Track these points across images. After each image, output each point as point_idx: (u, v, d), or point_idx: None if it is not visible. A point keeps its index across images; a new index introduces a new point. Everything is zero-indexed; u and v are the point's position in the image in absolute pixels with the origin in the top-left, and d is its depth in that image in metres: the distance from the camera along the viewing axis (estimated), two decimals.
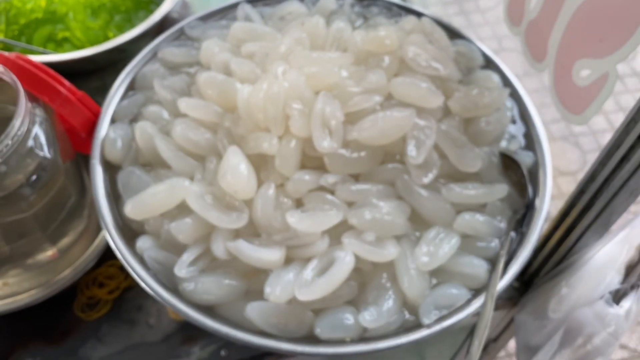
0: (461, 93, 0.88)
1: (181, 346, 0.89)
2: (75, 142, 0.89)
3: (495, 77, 0.93)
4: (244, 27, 0.94)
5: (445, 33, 0.97)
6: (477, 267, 0.72)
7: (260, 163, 0.79)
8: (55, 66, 0.93)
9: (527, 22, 0.88)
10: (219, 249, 0.70)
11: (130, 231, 0.79)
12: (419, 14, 1.00)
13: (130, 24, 1.28)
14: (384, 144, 0.79)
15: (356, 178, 0.79)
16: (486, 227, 0.75)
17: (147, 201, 0.76)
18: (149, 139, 0.82)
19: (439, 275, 0.72)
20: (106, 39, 1.23)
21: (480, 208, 0.80)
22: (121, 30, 1.26)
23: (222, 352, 0.87)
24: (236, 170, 0.74)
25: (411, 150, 0.78)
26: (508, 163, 0.85)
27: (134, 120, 0.88)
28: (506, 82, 0.95)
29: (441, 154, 0.82)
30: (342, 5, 1.03)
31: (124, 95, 0.90)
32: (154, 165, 0.83)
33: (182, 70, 0.93)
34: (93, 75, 1.23)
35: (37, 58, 0.96)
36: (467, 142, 0.83)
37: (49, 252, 0.86)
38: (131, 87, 0.89)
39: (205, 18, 1.00)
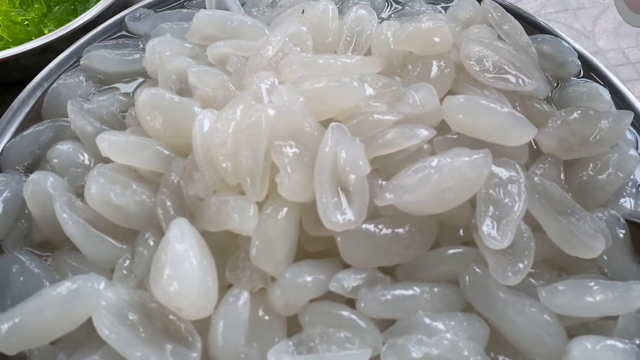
0: (557, 119, 0.54)
1: None
2: None
3: (604, 93, 0.59)
4: (212, 18, 0.61)
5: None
6: None
7: (226, 248, 0.46)
8: None
9: None
10: None
11: None
12: None
13: (75, 17, 0.95)
14: (439, 212, 0.47)
15: (391, 273, 0.46)
16: None
17: (29, 322, 0.44)
18: (46, 203, 0.49)
19: None
20: (41, 36, 0.91)
21: (606, 325, 0.46)
22: (63, 25, 0.93)
23: None
24: (180, 267, 0.42)
25: (487, 225, 0.46)
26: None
27: (32, 167, 0.55)
28: (619, 99, 0.61)
29: (533, 225, 0.49)
30: None
31: (23, 126, 0.57)
32: (56, 244, 0.51)
33: (116, 85, 0.61)
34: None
35: None
36: (576, 205, 0.50)
37: None
38: (37, 113, 0.55)
39: (157, 5, 0.67)
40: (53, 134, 0.58)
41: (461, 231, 0.50)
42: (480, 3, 0.66)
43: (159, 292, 0.42)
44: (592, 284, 0.47)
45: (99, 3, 0.88)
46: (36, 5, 0.94)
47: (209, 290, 0.43)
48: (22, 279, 0.48)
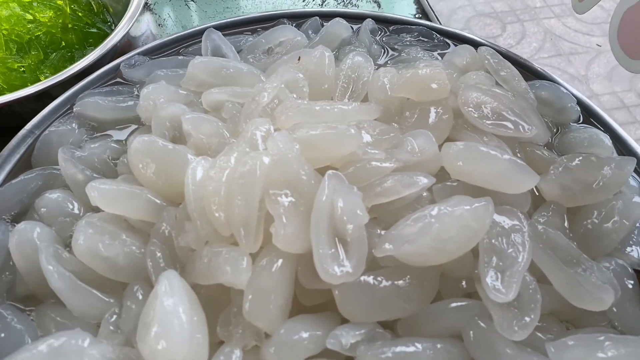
0: (559, 166, 0.53)
1: None
2: None
3: (605, 139, 0.58)
4: (207, 65, 0.61)
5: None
6: None
7: (218, 302, 0.44)
8: None
9: None
10: None
11: None
12: (475, 43, 0.67)
13: (72, 64, 0.95)
14: (440, 263, 0.45)
15: (392, 328, 0.44)
16: None
17: None
18: (31, 255, 0.47)
19: None
20: (36, 83, 0.90)
21: None
22: (59, 72, 0.93)
23: None
24: (169, 324, 0.39)
25: (491, 276, 0.44)
26: None
27: (19, 217, 0.53)
28: (620, 144, 0.60)
29: (538, 275, 0.47)
30: (359, 32, 0.69)
31: (12, 174, 0.56)
32: (40, 298, 0.49)
33: (108, 132, 0.59)
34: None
35: None
36: (582, 254, 0.48)
37: None
38: (27, 161, 0.54)
39: (153, 52, 0.67)
40: (42, 183, 0.56)
41: (464, 282, 0.48)
42: (476, 50, 0.66)
43: (146, 350, 0.40)
44: (602, 338, 0.45)
45: (95, 50, 0.88)
46: (33, 52, 0.94)
47: (199, 348, 0.41)
48: (2, 335, 0.46)
